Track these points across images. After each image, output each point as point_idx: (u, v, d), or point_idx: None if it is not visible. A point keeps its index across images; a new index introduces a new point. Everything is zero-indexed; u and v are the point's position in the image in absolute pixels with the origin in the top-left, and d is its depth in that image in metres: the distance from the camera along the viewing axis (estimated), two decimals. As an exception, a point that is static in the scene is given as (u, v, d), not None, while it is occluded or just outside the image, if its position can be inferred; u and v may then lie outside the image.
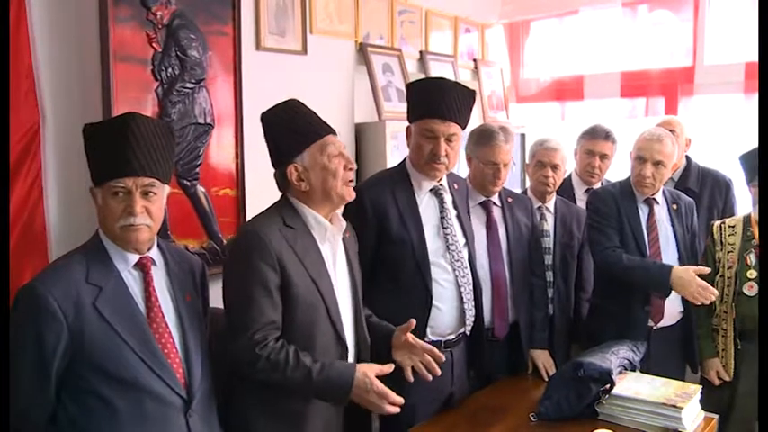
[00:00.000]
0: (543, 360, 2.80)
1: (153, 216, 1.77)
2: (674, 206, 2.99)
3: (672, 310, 2.91)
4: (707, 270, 2.72)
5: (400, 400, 1.95)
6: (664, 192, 3.00)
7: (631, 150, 3.00)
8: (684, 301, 2.89)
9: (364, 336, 2.16)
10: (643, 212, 2.94)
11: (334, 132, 2.06)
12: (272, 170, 2.58)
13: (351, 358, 2.08)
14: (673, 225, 2.95)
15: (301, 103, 2.08)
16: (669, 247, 2.93)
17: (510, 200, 2.86)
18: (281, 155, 2.03)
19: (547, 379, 2.63)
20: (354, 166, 2.08)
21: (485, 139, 2.74)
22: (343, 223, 2.11)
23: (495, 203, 2.80)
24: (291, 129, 2.01)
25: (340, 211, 2.19)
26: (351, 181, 2.06)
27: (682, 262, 2.88)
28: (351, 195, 2.07)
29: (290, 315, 1.94)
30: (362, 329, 2.15)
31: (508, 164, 2.75)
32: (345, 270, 2.14)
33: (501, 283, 2.70)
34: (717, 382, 2.83)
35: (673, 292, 2.73)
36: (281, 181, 2.06)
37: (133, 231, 1.73)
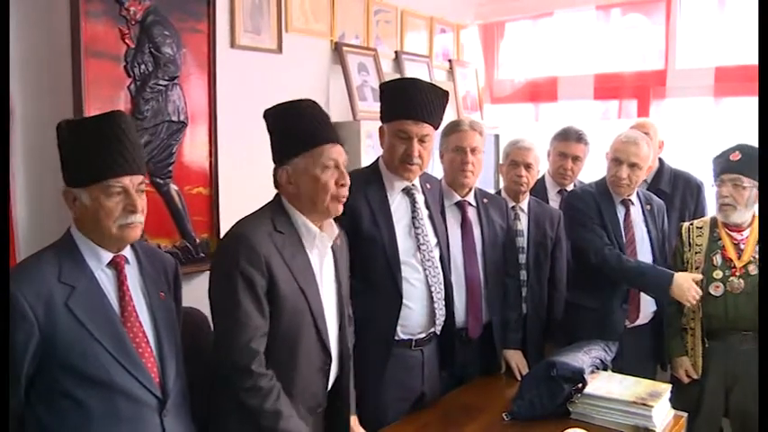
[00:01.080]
0: (516, 360, 2.82)
1: (144, 213, 1.78)
2: (648, 207, 3.06)
3: (646, 309, 2.96)
4: (700, 277, 2.78)
5: None
6: (638, 193, 3.07)
7: (607, 152, 3.06)
8: (658, 301, 2.94)
9: (347, 345, 2.14)
10: (620, 213, 3.01)
11: (336, 142, 2.01)
12: (246, 169, 2.58)
13: (334, 367, 2.07)
14: (647, 225, 3.03)
15: (311, 106, 2.03)
16: (644, 247, 3.00)
17: (485, 200, 2.87)
18: (276, 155, 2.02)
19: (520, 379, 2.65)
20: (347, 182, 2.01)
21: (451, 127, 2.79)
22: (335, 230, 2.08)
23: (470, 204, 2.81)
24: (290, 131, 1.99)
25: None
26: (343, 196, 2.01)
27: (655, 262, 2.94)
28: (337, 211, 2.03)
29: (276, 321, 1.92)
30: (346, 339, 2.14)
31: (477, 151, 2.75)
32: (332, 278, 2.12)
33: (475, 283, 2.71)
34: (686, 380, 2.87)
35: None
36: (274, 180, 2.05)
37: (132, 229, 1.74)
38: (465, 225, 2.76)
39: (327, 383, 2.06)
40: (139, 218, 1.74)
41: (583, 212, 3.02)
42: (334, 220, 2.16)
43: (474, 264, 2.73)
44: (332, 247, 2.11)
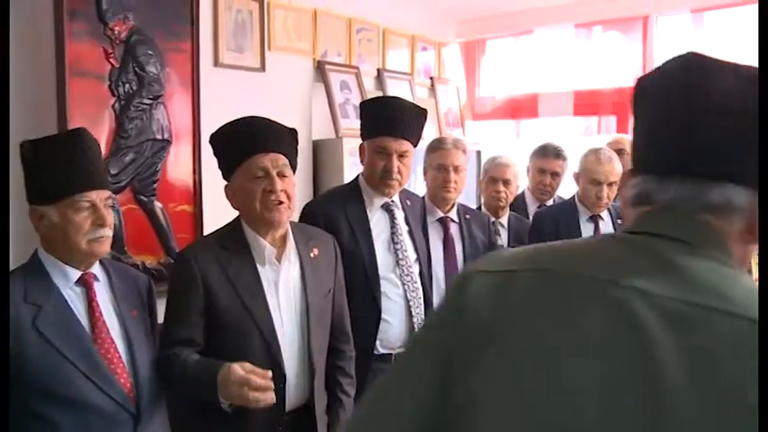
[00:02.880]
0: None
1: (112, 228, 1.78)
2: (619, 221, 3.09)
3: None
4: None
5: (266, 379, 1.73)
6: (609, 208, 3.12)
7: (576, 172, 3.11)
8: None
9: (312, 364, 2.02)
10: (588, 229, 3.05)
11: (270, 149, 1.94)
12: (230, 187, 2.55)
13: (290, 387, 1.97)
14: None
15: (244, 121, 1.99)
16: None
17: (468, 216, 2.91)
18: (223, 175, 2.03)
19: None
20: (275, 189, 1.91)
21: (435, 144, 2.84)
22: (292, 243, 2.03)
23: (452, 220, 2.85)
24: (223, 151, 2.01)
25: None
26: (278, 203, 1.92)
27: None
28: (274, 219, 1.94)
29: (220, 339, 1.91)
30: (313, 357, 2.02)
31: (460, 170, 2.79)
32: (297, 294, 2.02)
33: None
34: None
35: None
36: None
37: (101, 243, 1.74)
38: (447, 241, 2.81)
39: (284, 404, 1.95)
40: (108, 232, 1.74)
41: (535, 234, 3.09)
42: (325, 229, 2.21)
43: None
44: (301, 260, 2.05)
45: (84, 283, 1.76)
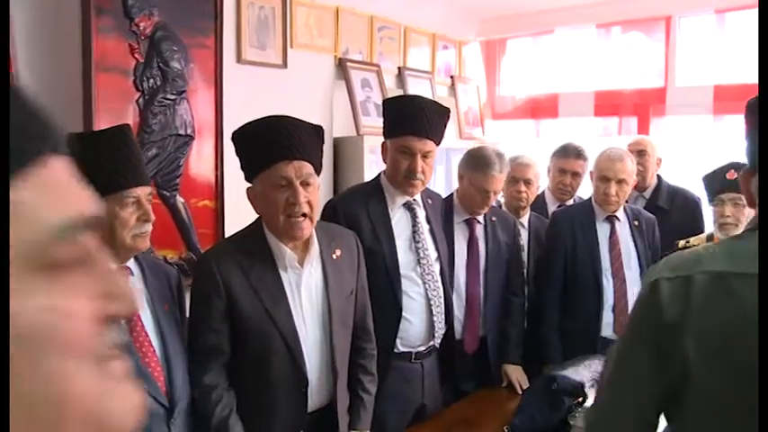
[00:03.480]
0: (517, 375, 2.85)
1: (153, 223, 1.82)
2: (636, 222, 3.08)
3: None
4: None
5: None
6: (625, 209, 3.10)
7: (592, 170, 3.10)
8: None
9: (335, 366, 2.03)
10: (604, 230, 3.04)
11: (295, 157, 1.88)
12: (252, 182, 2.57)
13: (313, 388, 1.98)
14: (634, 241, 3.04)
15: (269, 124, 1.91)
16: (631, 263, 3.02)
17: (494, 219, 2.91)
18: (245, 175, 1.99)
19: (520, 393, 2.67)
20: (298, 201, 1.87)
21: (481, 165, 2.74)
22: (315, 248, 2.01)
23: (478, 221, 2.85)
24: (247, 152, 1.96)
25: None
26: (301, 216, 1.89)
27: (642, 278, 2.97)
28: (295, 233, 1.91)
29: (242, 344, 1.92)
30: (336, 359, 2.03)
31: (499, 191, 2.82)
32: (320, 297, 2.02)
33: (475, 299, 2.76)
34: None
35: (632, 301, 2.84)
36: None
37: (145, 238, 1.78)
38: (472, 242, 2.81)
39: (306, 406, 1.98)
40: (150, 227, 1.78)
41: (548, 239, 3.12)
42: (348, 227, 2.21)
43: (476, 282, 2.78)
44: (323, 263, 2.04)
45: None
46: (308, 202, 1.90)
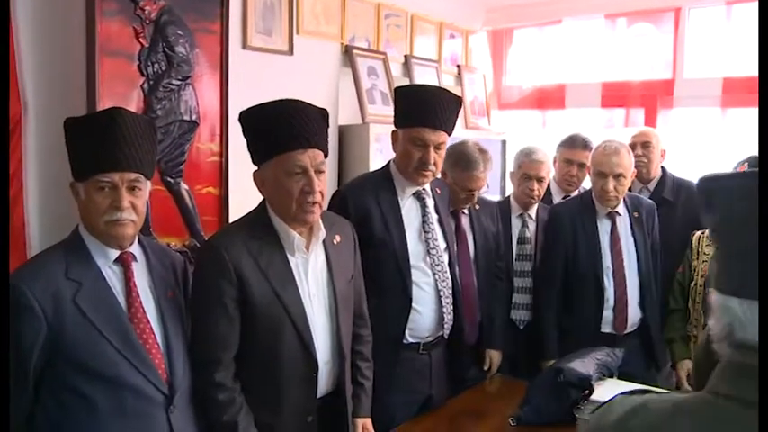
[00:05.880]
0: (497, 361, 2.89)
1: (138, 211, 1.76)
2: (636, 213, 3.04)
3: (634, 317, 2.97)
4: None
5: None
6: (625, 200, 3.04)
7: (588, 165, 3.05)
8: (643, 309, 2.97)
9: (342, 350, 2.04)
10: (605, 226, 3.00)
11: (309, 146, 1.88)
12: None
13: (322, 374, 1.99)
14: (634, 236, 3.01)
15: (282, 108, 1.90)
16: (631, 259, 2.99)
17: (477, 207, 2.89)
18: (252, 158, 1.97)
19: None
20: (314, 190, 1.88)
21: (464, 164, 2.75)
22: (322, 233, 2.00)
23: (463, 212, 2.84)
24: (258, 135, 1.93)
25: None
26: (314, 204, 1.89)
27: (640, 272, 2.97)
28: (307, 220, 1.92)
29: (252, 328, 1.89)
30: (342, 343, 2.04)
31: (483, 187, 2.79)
32: (324, 281, 2.03)
33: (470, 290, 2.75)
34: (686, 385, 2.87)
35: (632, 299, 2.93)
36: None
37: (119, 226, 1.72)
38: (459, 233, 2.79)
39: (315, 391, 1.98)
40: (127, 215, 1.72)
41: (548, 233, 3.10)
42: (341, 215, 2.18)
43: (468, 272, 2.76)
44: (326, 248, 2.04)
45: (123, 262, 1.77)
46: (321, 192, 1.91)
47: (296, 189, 1.87)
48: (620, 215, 3.01)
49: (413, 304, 2.40)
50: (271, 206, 1.97)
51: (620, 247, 2.98)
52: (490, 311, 2.88)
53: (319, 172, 1.91)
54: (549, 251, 3.06)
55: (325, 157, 1.96)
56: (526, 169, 3.12)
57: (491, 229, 2.90)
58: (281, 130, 1.87)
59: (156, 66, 2.63)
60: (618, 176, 2.90)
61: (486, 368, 2.86)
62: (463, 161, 2.74)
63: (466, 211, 2.84)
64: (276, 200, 1.93)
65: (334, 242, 2.08)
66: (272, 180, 1.91)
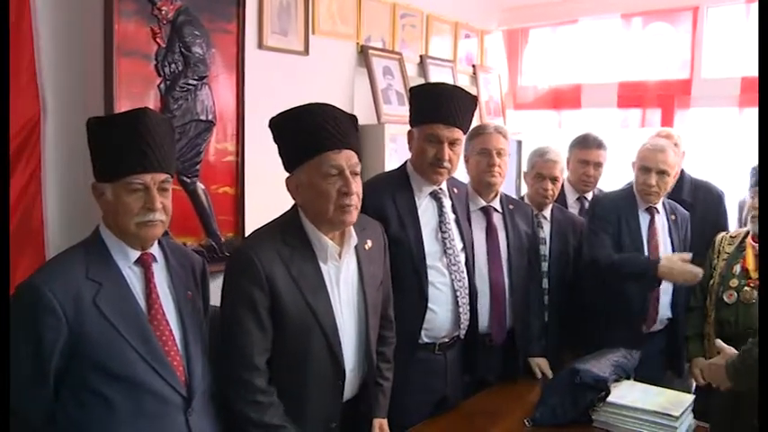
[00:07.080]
0: (543, 367, 2.84)
1: (167, 212, 1.77)
2: (673, 217, 3.07)
3: (662, 315, 2.98)
4: (688, 256, 2.81)
5: None
6: (663, 202, 3.08)
7: (633, 161, 3.05)
8: (673, 308, 2.95)
9: (370, 360, 2.05)
10: (644, 220, 3.02)
11: (341, 147, 1.88)
12: (271, 169, 2.60)
13: (348, 383, 1.99)
14: (671, 235, 3.03)
15: (313, 111, 1.89)
16: None
17: (511, 206, 2.86)
18: (284, 164, 1.96)
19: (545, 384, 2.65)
20: (352, 190, 1.87)
21: (477, 131, 2.77)
22: (354, 240, 1.99)
23: (495, 209, 2.79)
24: (291, 140, 1.92)
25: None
26: (351, 206, 1.89)
27: None
28: (344, 222, 1.91)
29: (281, 336, 1.88)
30: (369, 353, 2.04)
31: (503, 153, 2.75)
32: (355, 288, 2.03)
33: (500, 289, 2.70)
34: (701, 381, 2.84)
35: (664, 296, 2.89)
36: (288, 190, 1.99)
37: (151, 227, 1.72)
38: (490, 230, 2.75)
39: (341, 398, 1.99)
40: (159, 216, 1.72)
41: (596, 218, 3.05)
42: (373, 217, 2.16)
43: (499, 270, 2.72)
44: (357, 253, 2.04)
45: (143, 263, 1.77)
46: (357, 193, 1.90)
47: (333, 191, 1.86)
48: (658, 212, 3.04)
49: (429, 304, 2.39)
50: (305, 212, 1.95)
51: (657, 242, 2.99)
52: (524, 316, 2.83)
53: (354, 173, 1.90)
54: (597, 234, 3.00)
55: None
56: (540, 169, 3.10)
57: (526, 230, 2.87)
58: (315, 132, 1.86)
59: (172, 66, 2.64)
60: (661, 173, 2.94)
61: (539, 376, 2.82)
62: (475, 129, 2.77)
63: (498, 208, 2.80)
64: (312, 204, 1.91)
65: (366, 247, 2.07)
66: (306, 184, 1.90)
